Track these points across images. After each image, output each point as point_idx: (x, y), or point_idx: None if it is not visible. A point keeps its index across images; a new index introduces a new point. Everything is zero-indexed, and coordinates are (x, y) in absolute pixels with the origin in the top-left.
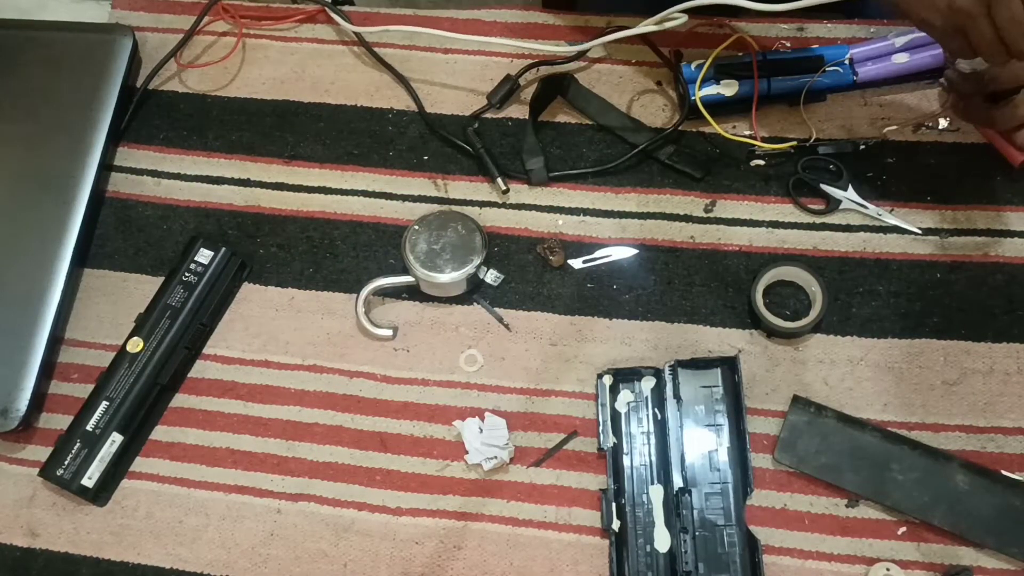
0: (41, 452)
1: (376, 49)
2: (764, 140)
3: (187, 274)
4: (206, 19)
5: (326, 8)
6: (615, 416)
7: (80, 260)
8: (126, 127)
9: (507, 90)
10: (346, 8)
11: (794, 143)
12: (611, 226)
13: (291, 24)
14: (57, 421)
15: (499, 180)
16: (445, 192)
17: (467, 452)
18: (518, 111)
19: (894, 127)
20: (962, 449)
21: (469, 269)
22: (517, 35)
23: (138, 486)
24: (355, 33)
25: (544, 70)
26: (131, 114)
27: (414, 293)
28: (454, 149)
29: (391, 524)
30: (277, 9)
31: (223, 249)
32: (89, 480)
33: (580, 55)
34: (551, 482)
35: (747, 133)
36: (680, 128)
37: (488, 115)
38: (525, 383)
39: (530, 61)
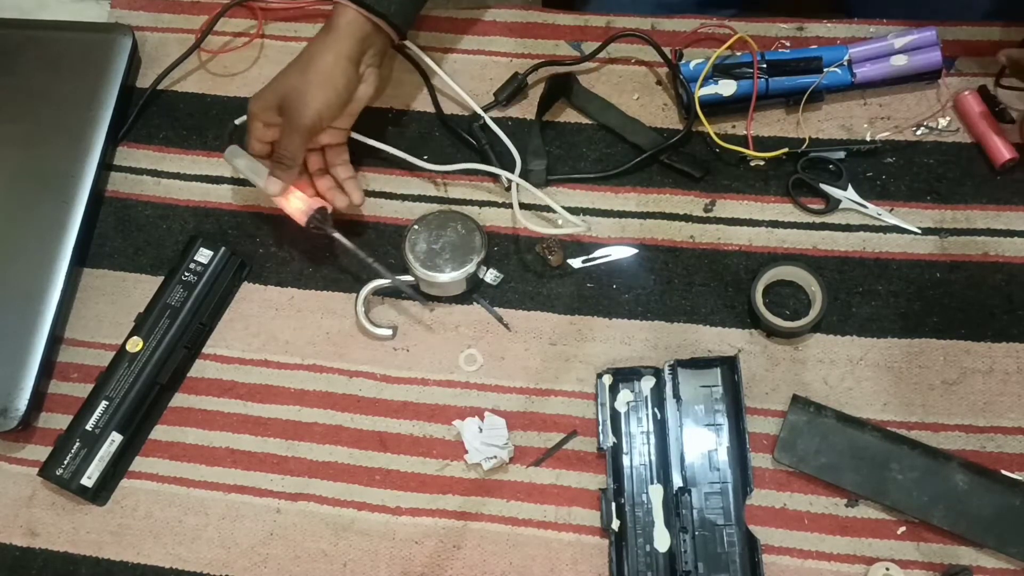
0: (41, 452)
1: None
2: (762, 140)
3: (187, 274)
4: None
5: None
6: (615, 416)
7: (80, 260)
8: (130, 127)
9: (514, 88)
10: None
11: (785, 150)
12: (611, 226)
13: (296, 23)
14: (57, 421)
15: (503, 177)
16: (445, 192)
17: (467, 452)
18: (518, 111)
19: (886, 133)
20: (962, 449)
21: (469, 269)
22: (517, 35)
23: (137, 486)
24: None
25: (546, 70)
26: (137, 113)
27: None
28: (454, 149)
29: (390, 524)
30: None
31: (223, 249)
32: (88, 480)
33: (593, 55)
34: (551, 482)
35: (745, 133)
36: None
37: (489, 114)
38: (525, 383)
39: (535, 62)
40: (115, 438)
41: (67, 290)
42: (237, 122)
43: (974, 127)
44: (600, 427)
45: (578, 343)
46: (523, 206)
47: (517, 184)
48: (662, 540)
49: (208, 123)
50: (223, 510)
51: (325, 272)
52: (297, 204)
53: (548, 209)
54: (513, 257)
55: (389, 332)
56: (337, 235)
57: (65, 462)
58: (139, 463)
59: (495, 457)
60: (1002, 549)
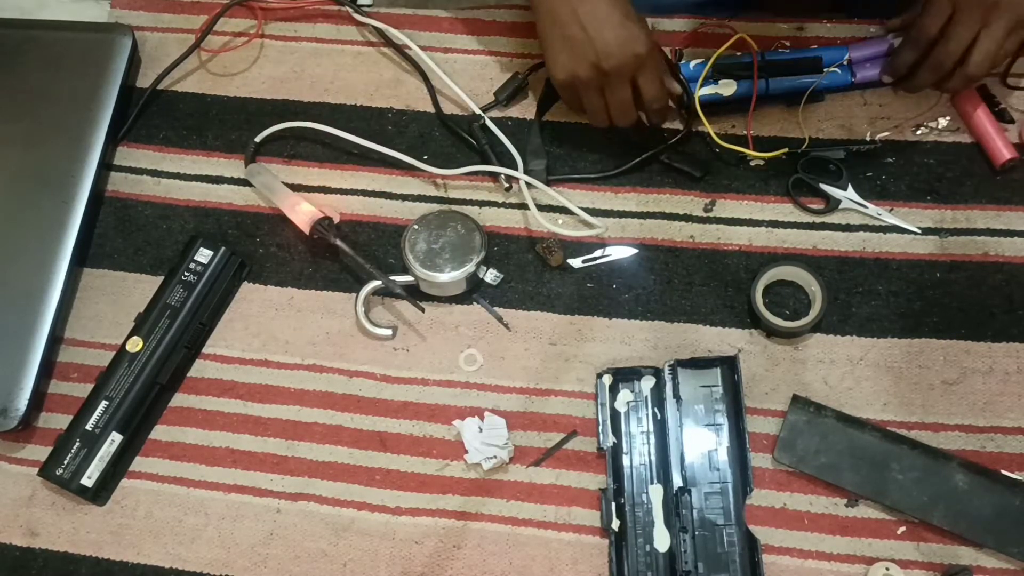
0: (40, 451)
1: (374, 48)
2: (762, 140)
3: (187, 273)
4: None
5: (348, 8)
6: (615, 416)
7: (80, 259)
8: (130, 127)
9: (514, 88)
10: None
11: (785, 150)
12: (611, 226)
13: (296, 23)
14: (56, 420)
15: (503, 177)
16: (445, 192)
17: (467, 452)
18: (518, 111)
19: (886, 133)
20: (961, 449)
21: (468, 268)
22: (517, 35)
23: (137, 485)
24: (377, 29)
25: (546, 70)
26: (137, 113)
27: (414, 292)
28: (454, 149)
29: (390, 524)
30: None
31: (222, 249)
32: (88, 479)
33: None
34: (551, 482)
35: (745, 133)
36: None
37: (489, 113)
38: (525, 383)
39: (535, 62)
40: (115, 438)
41: (67, 290)
42: (258, 139)
43: (974, 127)
44: (600, 427)
45: (578, 343)
46: (520, 206)
47: (527, 184)
48: (662, 540)
49: (208, 123)
50: (223, 510)
51: (325, 272)
52: (302, 212)
53: (560, 209)
54: (513, 257)
55: (389, 332)
56: (339, 243)
57: (65, 462)
58: (139, 463)
59: (495, 457)
60: (1002, 549)
